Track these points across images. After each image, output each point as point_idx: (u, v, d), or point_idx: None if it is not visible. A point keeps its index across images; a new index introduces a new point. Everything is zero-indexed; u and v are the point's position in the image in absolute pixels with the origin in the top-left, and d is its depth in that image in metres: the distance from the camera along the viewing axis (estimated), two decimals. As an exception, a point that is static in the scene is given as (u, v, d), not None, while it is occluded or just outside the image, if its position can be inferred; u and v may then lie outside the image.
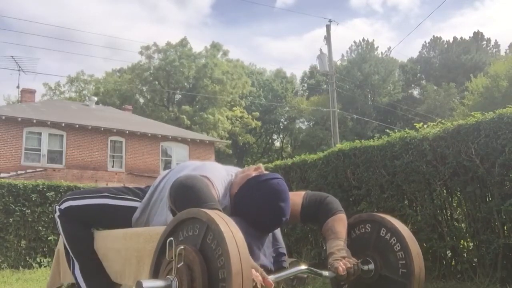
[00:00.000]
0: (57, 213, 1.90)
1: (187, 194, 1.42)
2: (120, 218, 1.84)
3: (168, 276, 1.25)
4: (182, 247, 1.24)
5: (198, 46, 41.58)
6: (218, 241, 1.18)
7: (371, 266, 1.69)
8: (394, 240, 1.68)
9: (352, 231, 1.80)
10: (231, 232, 1.20)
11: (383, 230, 1.72)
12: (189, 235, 1.29)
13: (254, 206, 1.58)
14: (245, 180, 1.63)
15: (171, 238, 1.27)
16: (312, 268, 1.53)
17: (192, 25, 60.10)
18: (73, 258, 1.88)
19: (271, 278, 1.32)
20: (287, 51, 63.09)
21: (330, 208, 1.75)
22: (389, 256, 1.68)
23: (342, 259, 1.56)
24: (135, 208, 1.83)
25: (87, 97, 30.67)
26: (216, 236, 1.19)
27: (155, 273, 1.35)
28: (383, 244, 1.71)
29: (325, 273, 1.54)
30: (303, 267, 1.51)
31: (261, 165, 1.71)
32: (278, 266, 1.62)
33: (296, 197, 1.78)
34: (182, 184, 1.46)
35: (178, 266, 1.22)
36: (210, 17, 61.89)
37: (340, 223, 1.71)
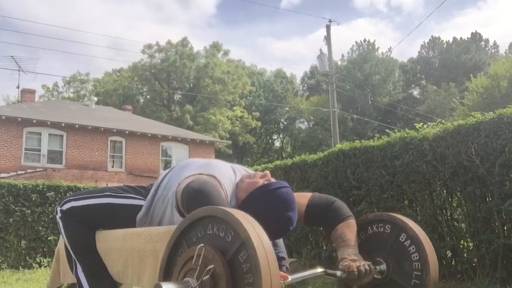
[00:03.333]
0: (59, 215, 1.86)
1: (200, 200, 1.41)
2: (124, 217, 1.81)
3: (188, 279, 1.19)
4: (212, 266, 1.16)
5: (201, 46, 41.68)
6: (252, 267, 1.11)
7: (383, 267, 1.67)
8: (413, 248, 1.64)
9: (370, 227, 1.78)
10: (267, 260, 1.12)
11: (404, 236, 1.68)
12: (214, 234, 1.22)
13: (262, 216, 1.52)
14: (253, 188, 1.61)
15: (202, 245, 1.19)
16: (327, 270, 1.52)
17: (197, 25, 60.24)
18: (76, 260, 1.86)
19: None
20: (290, 51, 63.25)
21: (339, 213, 1.73)
22: (404, 263, 1.65)
23: (352, 261, 1.56)
24: (138, 207, 1.81)
25: (85, 97, 30.67)
26: (251, 260, 1.11)
27: (166, 273, 1.31)
28: (401, 249, 1.67)
29: (338, 273, 1.54)
30: (319, 269, 1.50)
31: (267, 172, 1.68)
32: None
33: (301, 199, 1.75)
34: (194, 190, 1.44)
35: (204, 279, 1.15)
36: (214, 18, 61.97)
37: (349, 229, 1.69)
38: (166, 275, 1.31)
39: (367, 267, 1.55)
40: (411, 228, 1.67)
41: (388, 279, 1.66)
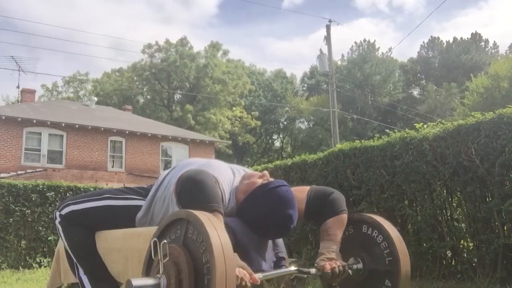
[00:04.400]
0: (58, 219, 1.85)
1: (193, 189, 1.41)
2: (125, 219, 1.80)
3: (157, 275, 1.27)
4: (168, 246, 1.27)
5: (202, 46, 41.72)
6: (199, 232, 1.22)
7: (360, 265, 1.72)
8: (376, 232, 1.74)
9: (349, 227, 1.82)
10: (211, 221, 1.24)
11: (365, 227, 1.78)
12: (176, 236, 1.32)
13: (263, 215, 1.56)
14: (252, 189, 1.61)
15: (155, 239, 1.31)
16: (301, 268, 1.56)
17: (198, 25, 60.20)
18: (77, 263, 1.85)
19: (258, 275, 1.34)
20: (292, 51, 63.25)
21: (333, 207, 1.73)
22: (374, 249, 1.73)
23: (329, 260, 1.58)
24: (138, 207, 1.80)
25: (85, 97, 30.66)
26: (197, 228, 1.23)
27: (146, 274, 1.37)
28: (368, 239, 1.76)
29: (312, 271, 1.58)
30: (292, 268, 1.54)
31: (266, 172, 1.69)
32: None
33: (300, 194, 1.75)
34: (191, 178, 1.44)
35: (164, 261, 1.26)
36: (216, 18, 61.93)
37: (338, 225, 1.71)
38: (147, 271, 1.39)
39: (341, 268, 1.58)
40: (369, 217, 1.79)
41: (367, 273, 1.72)
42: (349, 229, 1.81)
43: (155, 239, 1.31)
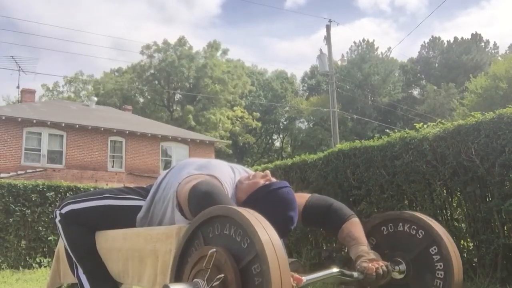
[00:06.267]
0: (58, 218, 1.86)
1: (208, 203, 1.40)
2: (124, 218, 1.80)
3: (197, 280, 1.16)
4: (222, 275, 1.13)
5: (203, 46, 41.79)
6: (264, 283, 1.07)
7: (403, 267, 1.63)
8: (440, 266, 1.58)
9: (392, 225, 1.73)
10: (281, 277, 1.08)
11: (435, 249, 1.61)
12: (231, 236, 1.19)
13: (263, 216, 1.57)
14: (253, 189, 1.61)
15: (214, 249, 1.17)
16: (343, 271, 1.47)
17: (200, 25, 60.31)
18: (76, 262, 1.85)
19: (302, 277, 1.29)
20: (294, 52, 63.30)
21: (342, 213, 1.71)
22: (425, 275, 1.60)
23: (370, 261, 1.53)
24: (138, 207, 1.80)
25: (85, 97, 30.66)
26: (264, 275, 1.07)
27: (177, 274, 1.28)
28: (427, 260, 1.61)
29: (355, 274, 1.49)
30: (335, 270, 1.44)
31: (268, 172, 1.69)
32: None
33: (300, 199, 1.75)
34: (201, 192, 1.44)
35: (214, 285, 1.14)
36: (218, 18, 62.00)
37: (357, 228, 1.67)
38: (179, 268, 1.29)
39: (385, 269, 1.51)
40: (445, 245, 1.58)
41: (403, 284, 1.62)
42: (419, 233, 1.65)
43: (214, 249, 1.16)
